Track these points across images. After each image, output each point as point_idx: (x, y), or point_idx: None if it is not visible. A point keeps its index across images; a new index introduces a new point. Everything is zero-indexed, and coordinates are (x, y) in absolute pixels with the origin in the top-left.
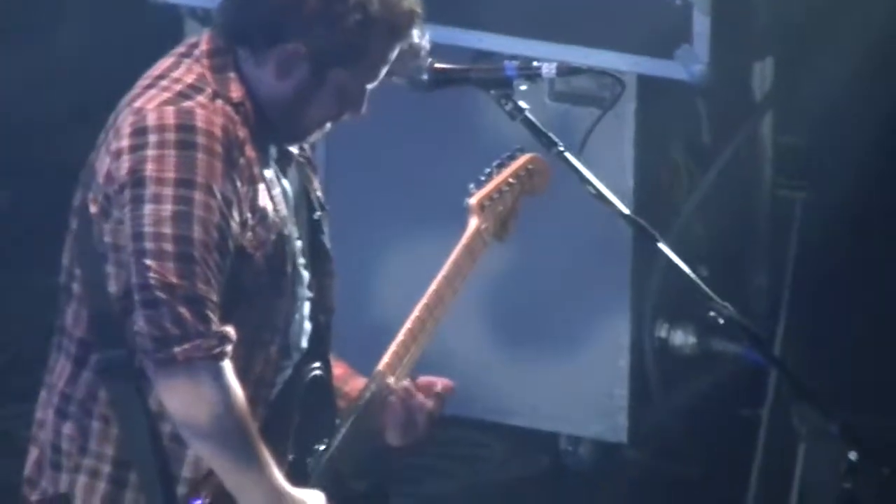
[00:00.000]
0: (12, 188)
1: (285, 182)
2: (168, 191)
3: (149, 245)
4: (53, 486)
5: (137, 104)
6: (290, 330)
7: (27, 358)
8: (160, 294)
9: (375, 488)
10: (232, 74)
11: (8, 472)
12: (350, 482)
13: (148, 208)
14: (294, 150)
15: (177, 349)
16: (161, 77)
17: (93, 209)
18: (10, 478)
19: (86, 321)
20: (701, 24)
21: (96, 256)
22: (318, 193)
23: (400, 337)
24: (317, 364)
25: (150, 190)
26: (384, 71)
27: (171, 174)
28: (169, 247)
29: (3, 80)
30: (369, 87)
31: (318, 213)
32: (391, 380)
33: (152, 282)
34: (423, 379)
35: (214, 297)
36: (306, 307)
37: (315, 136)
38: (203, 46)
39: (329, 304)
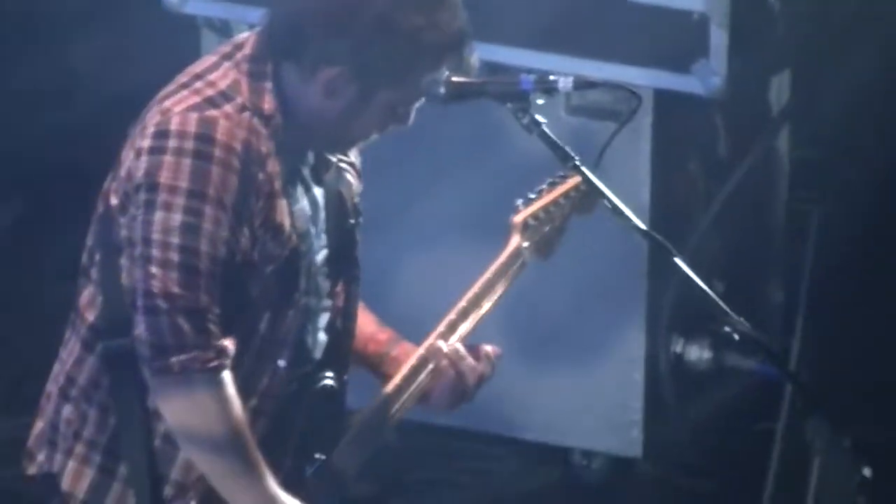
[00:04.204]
0: (25, 198)
1: (317, 190)
2: (179, 200)
3: (155, 252)
4: (48, 464)
5: (167, 103)
6: (302, 342)
7: (40, 368)
8: (161, 303)
9: (376, 492)
10: (268, 84)
11: (16, 480)
12: (351, 486)
13: (158, 215)
14: (334, 156)
15: (173, 359)
16: (198, 77)
17: (113, 201)
18: (17, 486)
19: (99, 306)
20: (718, 37)
21: (114, 246)
22: (356, 200)
23: (414, 358)
24: (328, 373)
25: (161, 197)
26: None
27: (184, 184)
28: (175, 256)
29: (16, 90)
30: (417, 104)
31: (352, 221)
32: (440, 344)
33: (155, 290)
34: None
35: (216, 311)
36: (322, 319)
37: (359, 147)
38: (245, 50)
39: (351, 311)
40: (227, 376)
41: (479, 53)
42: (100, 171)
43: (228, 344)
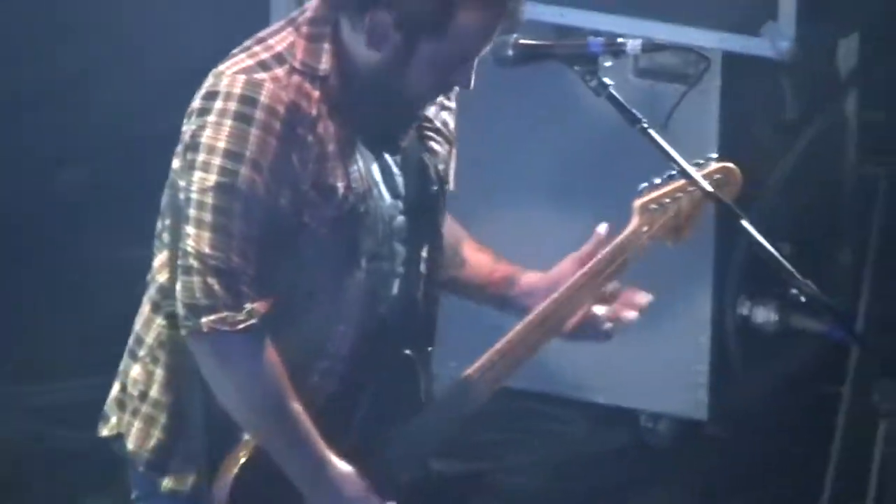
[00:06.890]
0: (94, 162)
1: (388, 155)
2: (216, 160)
3: (192, 212)
4: (118, 425)
5: (221, 66)
6: (372, 307)
7: (108, 330)
8: (194, 262)
9: (465, 471)
10: (326, 45)
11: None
12: (433, 464)
13: (196, 175)
14: (413, 121)
15: (204, 319)
16: (260, 41)
17: (174, 164)
18: (89, 448)
19: (168, 268)
20: (787, 0)
21: (179, 209)
22: (441, 167)
23: (508, 337)
24: (407, 341)
25: (201, 157)
26: (484, 45)
27: (222, 144)
28: (208, 216)
29: (85, 57)
30: (470, 59)
31: (436, 188)
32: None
33: (189, 249)
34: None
35: (251, 272)
36: (396, 285)
37: (420, 110)
38: (307, 14)
39: (434, 278)
40: (259, 338)
41: (547, 16)
42: (167, 136)
43: (260, 306)
